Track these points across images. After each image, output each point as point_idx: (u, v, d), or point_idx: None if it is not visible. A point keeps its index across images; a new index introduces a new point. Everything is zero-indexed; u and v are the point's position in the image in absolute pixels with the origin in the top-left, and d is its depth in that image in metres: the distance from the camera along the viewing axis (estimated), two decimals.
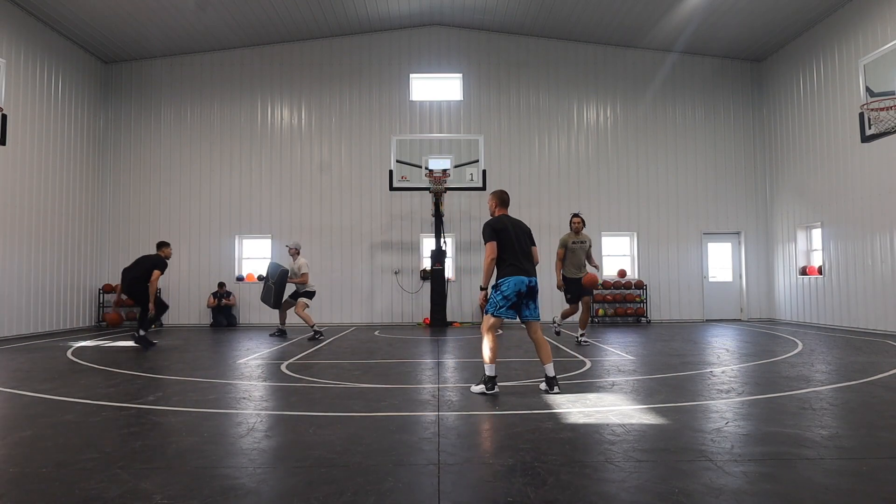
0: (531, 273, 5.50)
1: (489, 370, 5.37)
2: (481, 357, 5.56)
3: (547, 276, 13.64)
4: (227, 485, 3.05)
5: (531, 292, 5.47)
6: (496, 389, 5.39)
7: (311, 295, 11.42)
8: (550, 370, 5.43)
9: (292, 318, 12.06)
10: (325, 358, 8.22)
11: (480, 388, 5.43)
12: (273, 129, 15.66)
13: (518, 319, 5.55)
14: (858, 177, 12.30)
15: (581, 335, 9.40)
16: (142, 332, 9.54)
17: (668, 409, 4.74)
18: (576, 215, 9.15)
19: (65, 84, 13.92)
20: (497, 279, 5.50)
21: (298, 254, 11.49)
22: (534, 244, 5.71)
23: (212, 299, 14.73)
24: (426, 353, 8.57)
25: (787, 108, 14.85)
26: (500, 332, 12.31)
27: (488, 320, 5.46)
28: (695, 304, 15.47)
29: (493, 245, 5.43)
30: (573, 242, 9.06)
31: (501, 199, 5.79)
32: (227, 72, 15.73)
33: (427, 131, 15.53)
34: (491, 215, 5.79)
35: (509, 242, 5.46)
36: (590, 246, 9.19)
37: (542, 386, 5.49)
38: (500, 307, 5.41)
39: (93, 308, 14.84)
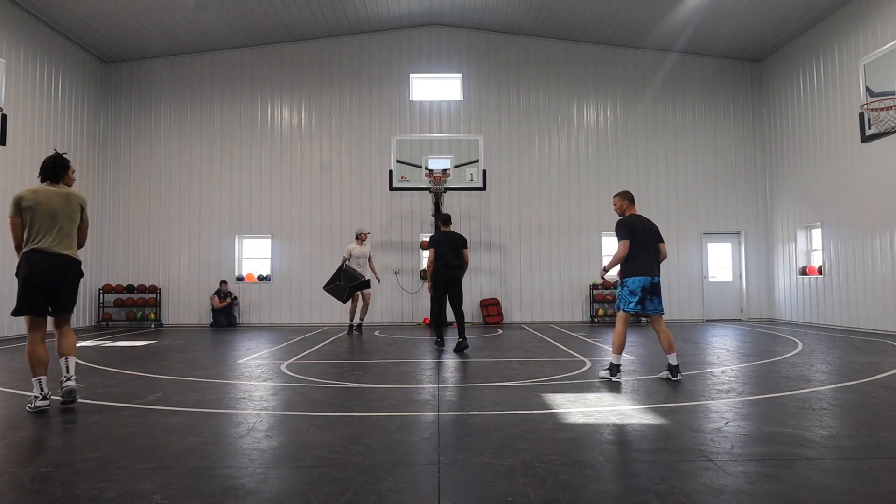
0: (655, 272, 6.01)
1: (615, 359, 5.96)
2: (613, 348, 6.07)
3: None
4: (227, 485, 3.05)
5: (654, 289, 5.98)
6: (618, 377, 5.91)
7: (368, 284, 11.63)
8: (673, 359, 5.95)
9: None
10: (325, 358, 8.21)
11: (605, 373, 6.00)
12: (273, 129, 15.66)
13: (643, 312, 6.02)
14: (858, 177, 12.29)
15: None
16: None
17: (668, 409, 4.74)
18: None
19: (65, 84, 13.92)
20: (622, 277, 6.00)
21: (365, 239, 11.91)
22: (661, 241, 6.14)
23: (217, 300, 14.66)
24: (426, 353, 8.57)
25: (787, 108, 14.85)
26: (500, 331, 12.31)
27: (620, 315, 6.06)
28: (695, 304, 15.46)
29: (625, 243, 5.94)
30: None
31: (629, 197, 6.20)
32: (227, 72, 15.73)
33: (427, 131, 15.52)
34: (620, 215, 6.18)
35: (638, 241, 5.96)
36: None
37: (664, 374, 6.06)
38: (629, 302, 5.94)
39: (93, 308, 14.83)
